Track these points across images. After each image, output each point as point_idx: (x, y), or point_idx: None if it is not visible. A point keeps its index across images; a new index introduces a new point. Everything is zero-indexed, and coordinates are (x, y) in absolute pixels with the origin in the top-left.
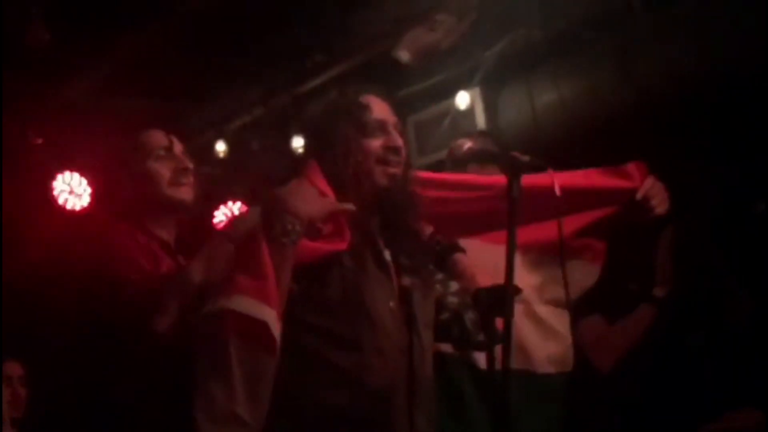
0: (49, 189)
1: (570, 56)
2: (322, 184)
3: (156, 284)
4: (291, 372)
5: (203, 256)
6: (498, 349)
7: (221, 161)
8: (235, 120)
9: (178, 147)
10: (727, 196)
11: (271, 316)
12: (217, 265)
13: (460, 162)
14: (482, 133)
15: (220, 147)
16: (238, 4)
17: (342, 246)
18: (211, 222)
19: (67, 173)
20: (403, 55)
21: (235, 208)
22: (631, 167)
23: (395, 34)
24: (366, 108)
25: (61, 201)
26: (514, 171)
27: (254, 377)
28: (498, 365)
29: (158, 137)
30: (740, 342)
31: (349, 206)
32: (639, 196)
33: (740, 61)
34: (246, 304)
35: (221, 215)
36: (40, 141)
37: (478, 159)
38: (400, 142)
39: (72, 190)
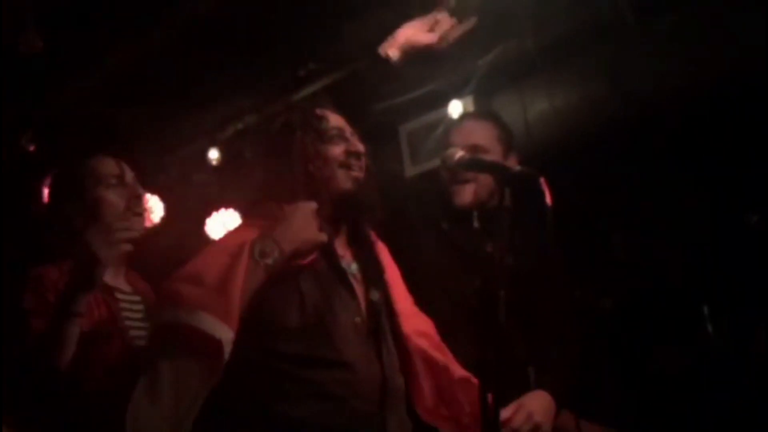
0: (41, 196)
1: (563, 67)
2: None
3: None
4: (262, 387)
5: (55, 344)
6: None
7: (214, 169)
8: (228, 128)
9: (129, 175)
10: (718, 208)
11: (227, 337)
12: (71, 347)
13: (451, 171)
14: (475, 115)
15: (213, 155)
16: (231, 11)
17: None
18: (204, 230)
19: None
20: (393, 54)
21: (227, 216)
22: None
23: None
24: (323, 118)
25: None
26: (505, 180)
27: (187, 398)
28: None
29: (109, 164)
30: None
31: (323, 237)
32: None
33: (733, 73)
34: (208, 322)
35: (213, 223)
36: (32, 148)
37: (470, 168)
38: (361, 147)
39: None
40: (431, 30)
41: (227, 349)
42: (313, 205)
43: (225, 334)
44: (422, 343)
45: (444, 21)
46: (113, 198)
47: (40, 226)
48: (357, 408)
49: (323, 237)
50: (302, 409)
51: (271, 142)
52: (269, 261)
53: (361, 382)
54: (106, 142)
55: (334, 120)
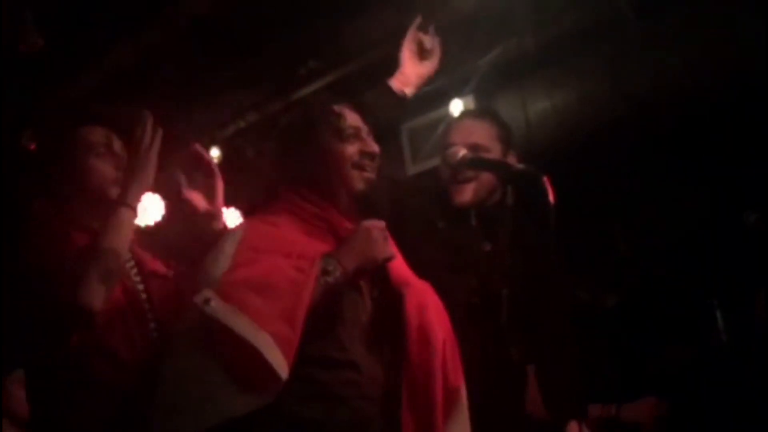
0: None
1: (563, 65)
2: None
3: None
4: None
5: (111, 227)
6: None
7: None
8: (229, 126)
9: (117, 144)
10: (717, 207)
11: (285, 375)
12: (126, 235)
13: (454, 170)
14: (474, 114)
15: (214, 153)
16: (232, 10)
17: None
18: None
19: None
20: (409, 92)
21: (229, 214)
22: None
23: (389, 43)
24: (340, 115)
25: None
26: (509, 179)
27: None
28: None
29: (98, 133)
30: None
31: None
32: None
33: (733, 72)
34: (273, 353)
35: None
36: (33, 146)
37: (473, 167)
38: (375, 148)
39: None
40: (422, 53)
41: (279, 389)
42: (380, 224)
43: (284, 373)
44: (424, 303)
45: (434, 46)
46: (101, 166)
47: (27, 193)
48: (361, 408)
49: (390, 253)
50: (308, 408)
51: (286, 136)
52: (330, 279)
53: (366, 382)
54: (94, 114)
55: (351, 118)
